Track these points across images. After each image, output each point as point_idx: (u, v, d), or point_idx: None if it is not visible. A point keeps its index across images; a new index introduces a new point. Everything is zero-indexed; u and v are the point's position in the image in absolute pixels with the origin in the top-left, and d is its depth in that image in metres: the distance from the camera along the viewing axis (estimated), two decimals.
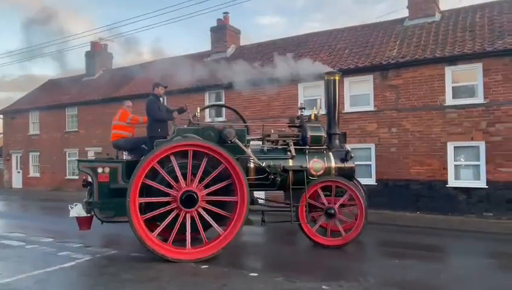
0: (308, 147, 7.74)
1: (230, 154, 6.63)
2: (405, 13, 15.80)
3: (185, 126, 7.52)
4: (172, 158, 6.52)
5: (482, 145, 11.97)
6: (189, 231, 6.52)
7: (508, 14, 13.48)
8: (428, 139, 12.73)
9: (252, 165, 7.40)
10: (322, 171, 7.69)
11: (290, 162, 7.57)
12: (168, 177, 6.50)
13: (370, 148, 13.71)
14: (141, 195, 6.51)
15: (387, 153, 13.34)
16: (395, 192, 12.99)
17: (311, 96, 15.32)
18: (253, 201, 7.66)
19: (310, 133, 7.71)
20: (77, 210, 7.06)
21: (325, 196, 7.61)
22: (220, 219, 6.76)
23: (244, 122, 9.09)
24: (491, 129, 11.86)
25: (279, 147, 7.84)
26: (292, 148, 7.61)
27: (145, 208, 6.64)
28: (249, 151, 7.23)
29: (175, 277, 5.77)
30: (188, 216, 6.54)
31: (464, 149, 12.37)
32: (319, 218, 7.78)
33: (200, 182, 6.58)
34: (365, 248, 7.95)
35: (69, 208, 7.16)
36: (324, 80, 8.54)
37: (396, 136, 13.26)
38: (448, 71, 12.62)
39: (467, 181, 12.18)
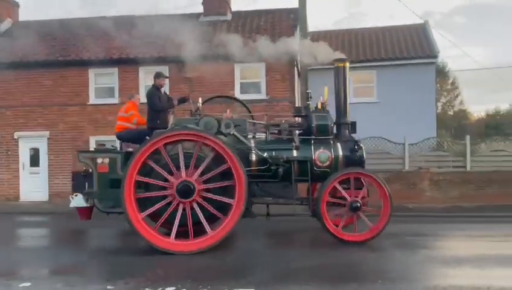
0: (314, 137, 7.32)
1: (222, 141, 6.48)
2: (201, 9, 16.35)
3: (187, 117, 7.48)
4: (163, 150, 6.42)
5: None
6: (191, 222, 6.38)
7: (286, 21, 15.35)
8: None
9: (253, 156, 7.07)
10: (328, 162, 7.23)
11: (294, 153, 7.17)
12: (161, 171, 6.42)
13: None
14: (141, 187, 6.57)
15: None
16: None
17: (104, 84, 14.44)
18: (255, 194, 7.23)
19: (315, 123, 7.32)
20: (77, 200, 7.17)
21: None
22: (222, 210, 6.56)
23: (250, 112, 8.55)
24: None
25: (284, 137, 7.46)
26: (296, 138, 7.24)
27: (145, 201, 6.56)
28: (248, 142, 7.05)
29: None
30: (188, 207, 6.42)
31: None
32: (342, 213, 7.16)
33: (197, 173, 6.44)
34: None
35: (70, 198, 7.31)
36: (333, 67, 7.88)
37: None
38: (237, 68, 13.59)
39: None
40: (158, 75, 8.22)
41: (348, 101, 7.83)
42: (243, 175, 6.45)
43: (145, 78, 14.08)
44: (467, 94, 56.94)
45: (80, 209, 7.25)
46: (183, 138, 6.54)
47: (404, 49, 17.31)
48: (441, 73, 32.28)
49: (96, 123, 14.22)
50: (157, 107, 7.86)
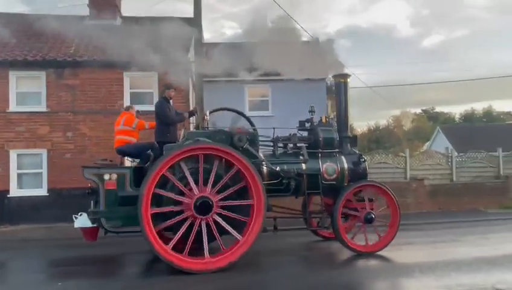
0: (320, 150, 7.46)
1: (246, 159, 6.37)
2: (87, 11, 15.03)
3: (194, 130, 7.31)
4: (183, 164, 6.20)
5: None
6: (206, 240, 6.12)
7: (180, 30, 14.70)
8: (106, 146, 12.24)
9: (264, 170, 7.03)
10: (335, 175, 7.42)
11: (303, 166, 7.22)
12: (179, 184, 6.15)
13: (41, 154, 12.23)
14: (150, 204, 6.12)
15: (60, 160, 12.11)
16: (70, 202, 11.86)
17: None
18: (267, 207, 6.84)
19: (322, 136, 7.46)
20: (82, 220, 6.72)
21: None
22: (234, 226, 6.32)
23: (253, 126, 8.14)
24: None
25: (290, 151, 7.59)
26: (305, 151, 7.28)
27: (155, 218, 6.16)
28: (261, 156, 6.97)
29: None
30: (204, 224, 6.16)
31: None
32: (355, 225, 7.69)
33: (213, 187, 6.23)
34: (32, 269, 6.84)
35: (73, 218, 6.82)
36: (334, 83, 7.77)
37: (72, 141, 12.24)
38: (127, 77, 12.66)
39: None
40: (168, 86, 7.89)
41: (348, 116, 8.13)
42: (262, 194, 6.34)
43: (17, 85, 12.37)
44: (351, 111, 61.74)
45: (84, 229, 6.75)
46: (207, 153, 6.28)
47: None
48: (329, 90, 34.30)
49: None
50: (169, 119, 7.47)
